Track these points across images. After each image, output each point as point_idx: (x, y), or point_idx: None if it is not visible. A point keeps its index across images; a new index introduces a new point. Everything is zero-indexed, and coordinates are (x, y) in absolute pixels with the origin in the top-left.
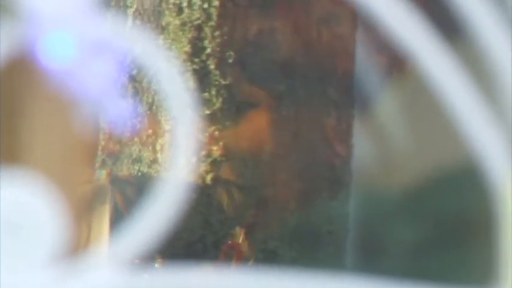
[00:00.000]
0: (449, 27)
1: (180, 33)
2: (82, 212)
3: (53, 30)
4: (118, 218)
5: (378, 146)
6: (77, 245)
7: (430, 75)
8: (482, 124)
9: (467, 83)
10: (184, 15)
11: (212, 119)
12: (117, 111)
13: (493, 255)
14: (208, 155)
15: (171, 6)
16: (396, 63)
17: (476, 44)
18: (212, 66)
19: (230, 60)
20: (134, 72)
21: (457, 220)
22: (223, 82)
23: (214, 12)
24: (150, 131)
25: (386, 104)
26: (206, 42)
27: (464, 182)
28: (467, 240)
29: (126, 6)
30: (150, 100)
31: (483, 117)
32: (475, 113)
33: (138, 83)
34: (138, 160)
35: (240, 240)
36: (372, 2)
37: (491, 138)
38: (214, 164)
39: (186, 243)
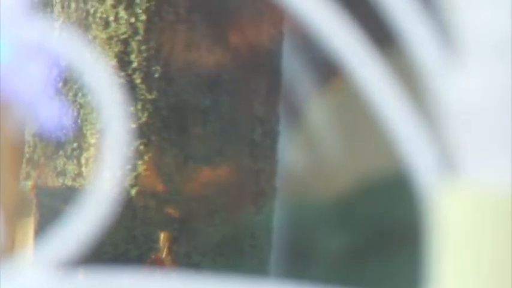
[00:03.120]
0: (381, 36)
1: (107, 47)
2: (6, 224)
3: None
4: (42, 230)
5: (307, 156)
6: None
7: (361, 84)
8: (412, 133)
9: (399, 92)
10: (111, 29)
11: (138, 133)
12: (44, 122)
13: (421, 264)
14: (133, 169)
15: (97, 20)
16: (327, 72)
17: (407, 53)
18: (138, 81)
19: (156, 75)
20: (60, 84)
21: (385, 228)
22: (149, 96)
23: (141, 26)
24: (75, 145)
25: (317, 114)
26: (132, 57)
27: (393, 191)
28: (395, 248)
29: (52, 19)
30: (75, 113)
31: (414, 126)
32: (405, 122)
33: (64, 96)
34: (62, 173)
35: (164, 255)
36: (303, 10)
37: (421, 148)
38: (139, 178)
39: (110, 257)
